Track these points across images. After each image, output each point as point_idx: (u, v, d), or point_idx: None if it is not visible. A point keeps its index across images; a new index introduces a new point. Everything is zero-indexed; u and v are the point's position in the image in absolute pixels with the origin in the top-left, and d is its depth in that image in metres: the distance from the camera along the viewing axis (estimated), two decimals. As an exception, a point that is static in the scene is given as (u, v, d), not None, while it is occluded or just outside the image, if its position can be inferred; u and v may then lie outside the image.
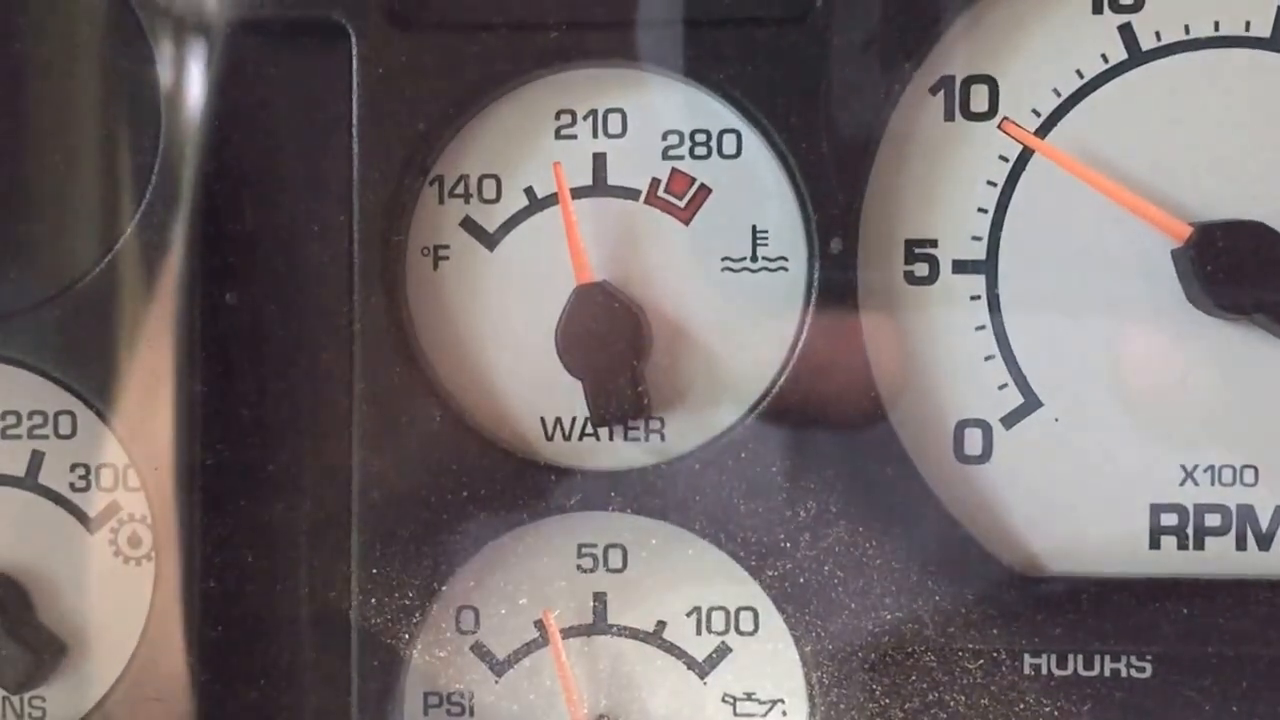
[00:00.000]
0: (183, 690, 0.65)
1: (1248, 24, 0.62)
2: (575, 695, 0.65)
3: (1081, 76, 0.62)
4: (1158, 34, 0.62)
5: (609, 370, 0.62)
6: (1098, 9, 0.62)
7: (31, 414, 0.68)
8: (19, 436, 0.68)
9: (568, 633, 0.65)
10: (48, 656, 0.66)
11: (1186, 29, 0.62)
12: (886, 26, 0.62)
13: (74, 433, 0.67)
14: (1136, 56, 0.62)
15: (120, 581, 0.67)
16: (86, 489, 0.67)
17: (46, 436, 0.67)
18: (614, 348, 0.62)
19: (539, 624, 0.65)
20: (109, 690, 0.66)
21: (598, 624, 0.65)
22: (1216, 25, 0.62)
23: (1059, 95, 0.62)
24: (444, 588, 0.65)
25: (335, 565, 0.65)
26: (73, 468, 0.67)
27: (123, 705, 0.66)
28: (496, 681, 0.66)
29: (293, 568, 0.66)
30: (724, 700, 0.65)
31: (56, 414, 0.67)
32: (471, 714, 0.66)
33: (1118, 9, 0.62)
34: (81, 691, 0.67)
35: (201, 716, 0.65)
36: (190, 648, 0.65)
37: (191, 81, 0.65)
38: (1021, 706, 0.62)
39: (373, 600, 0.64)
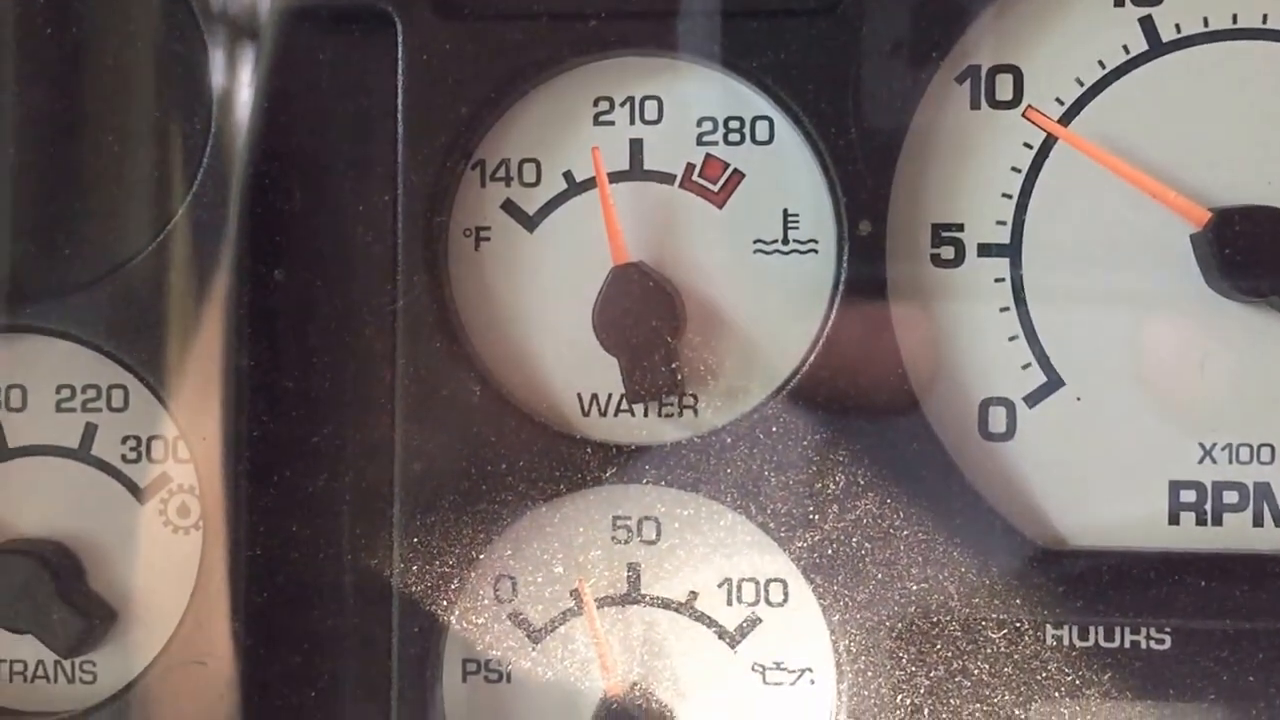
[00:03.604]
0: (228, 654, 0.66)
1: (1265, 17, 0.63)
2: (609, 663, 0.65)
3: (1104, 67, 0.63)
4: (1177, 26, 0.63)
5: (644, 348, 0.63)
6: (1119, 2, 0.64)
7: (85, 388, 0.69)
8: (73, 409, 0.69)
9: (602, 602, 0.66)
10: (98, 622, 0.67)
11: (1205, 21, 0.63)
12: (915, 18, 0.63)
13: (126, 406, 0.68)
14: (1157, 48, 0.63)
15: (169, 550, 0.68)
16: (138, 460, 0.68)
17: (100, 409, 0.69)
18: (649, 326, 0.63)
19: (574, 593, 0.66)
20: (157, 655, 0.67)
21: (631, 594, 0.66)
22: (1235, 18, 0.63)
23: (1081, 85, 0.63)
24: (482, 557, 0.65)
25: (377, 534, 0.66)
26: (124, 440, 0.68)
27: (170, 669, 0.66)
28: (533, 649, 0.67)
29: (335, 537, 0.66)
30: (754, 669, 0.66)
31: (110, 387, 0.68)
32: (508, 680, 0.67)
33: (1138, 2, 0.63)
34: (131, 656, 0.68)
35: (246, 680, 0.66)
36: (235, 614, 0.66)
37: (242, 68, 0.67)
38: (1043, 676, 0.62)
39: (413, 568, 0.65)
